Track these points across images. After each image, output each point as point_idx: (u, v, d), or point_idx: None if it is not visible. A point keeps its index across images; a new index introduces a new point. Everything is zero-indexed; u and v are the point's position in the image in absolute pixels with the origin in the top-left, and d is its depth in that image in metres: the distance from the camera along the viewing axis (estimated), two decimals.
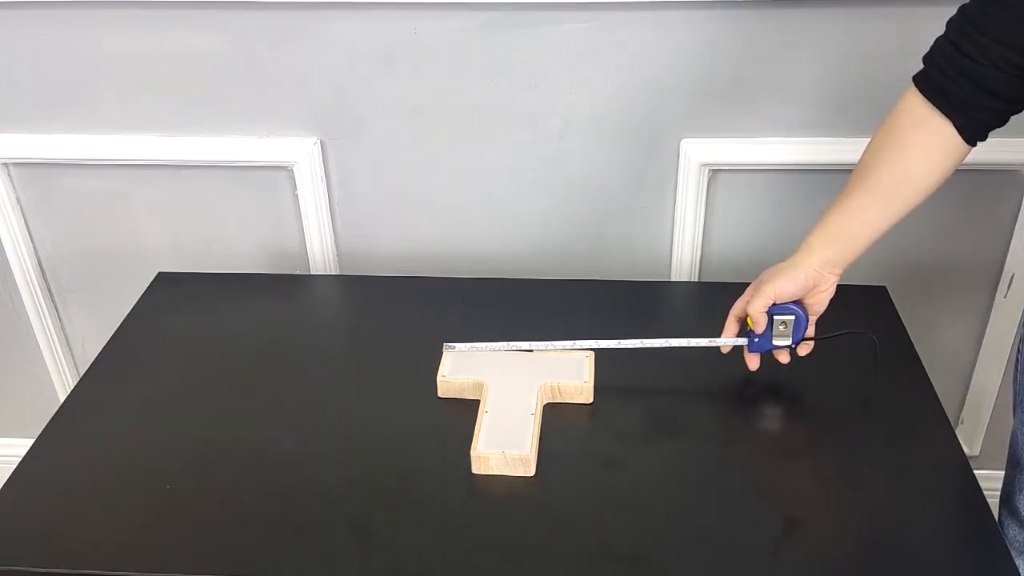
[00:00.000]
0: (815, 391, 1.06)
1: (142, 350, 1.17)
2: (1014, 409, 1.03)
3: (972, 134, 0.89)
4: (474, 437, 0.97)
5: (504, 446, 0.95)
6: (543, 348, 1.09)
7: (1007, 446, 1.06)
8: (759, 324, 1.00)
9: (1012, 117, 0.89)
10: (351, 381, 1.10)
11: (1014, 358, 1.05)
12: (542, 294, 1.26)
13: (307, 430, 1.02)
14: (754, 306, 0.99)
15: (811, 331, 1.03)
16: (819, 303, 1.00)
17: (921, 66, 0.91)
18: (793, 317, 1.00)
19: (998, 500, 1.08)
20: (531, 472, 0.95)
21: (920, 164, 0.91)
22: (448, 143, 1.33)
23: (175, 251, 1.47)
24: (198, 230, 1.45)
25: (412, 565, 0.85)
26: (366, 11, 1.24)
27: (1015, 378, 1.03)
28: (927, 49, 0.91)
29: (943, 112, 0.88)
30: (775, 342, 1.02)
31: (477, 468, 0.95)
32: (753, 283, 1.02)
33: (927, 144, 0.91)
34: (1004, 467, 1.07)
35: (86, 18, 1.27)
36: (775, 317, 1.00)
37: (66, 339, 1.59)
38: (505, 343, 1.09)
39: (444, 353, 1.09)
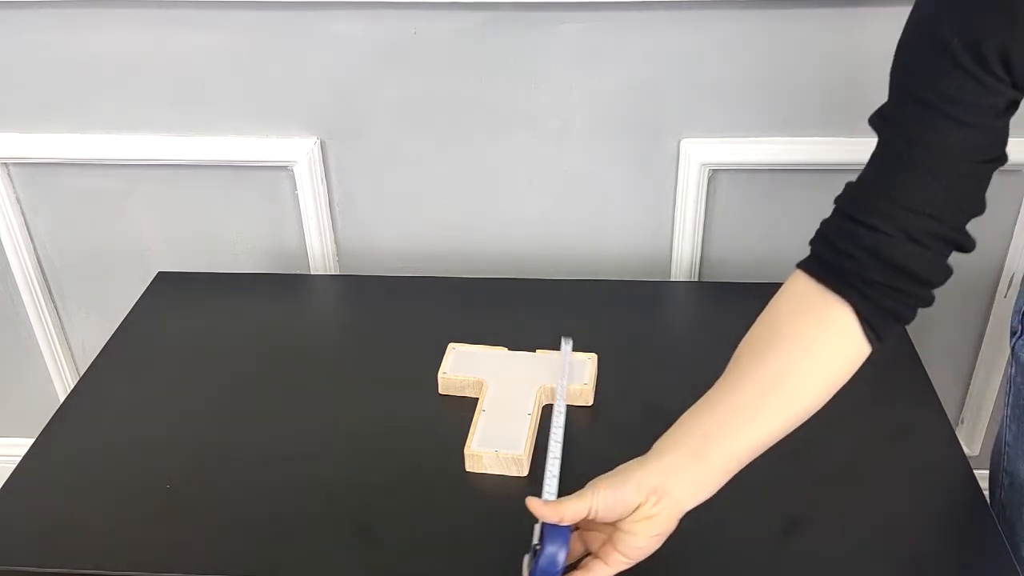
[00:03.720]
0: None
1: (142, 350, 1.17)
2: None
3: (877, 323, 0.69)
4: (469, 436, 0.97)
5: (498, 446, 0.95)
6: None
7: None
8: (548, 519, 0.71)
9: (1012, 117, 0.76)
10: (351, 381, 1.10)
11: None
12: (542, 294, 1.26)
13: (307, 430, 1.02)
14: (563, 506, 0.71)
15: None
16: (636, 536, 0.70)
17: None
18: (542, 549, 0.70)
19: None
20: (524, 472, 0.94)
21: (803, 364, 0.71)
22: (448, 143, 1.33)
23: (175, 251, 1.47)
24: (198, 230, 1.45)
25: (412, 565, 0.86)
26: (366, 11, 1.24)
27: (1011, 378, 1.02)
28: None
29: (837, 292, 0.69)
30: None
31: (471, 467, 0.95)
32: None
33: (814, 337, 0.70)
34: None
35: (86, 18, 1.27)
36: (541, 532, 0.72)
37: (66, 339, 1.59)
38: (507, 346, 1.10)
39: (448, 350, 1.09)
